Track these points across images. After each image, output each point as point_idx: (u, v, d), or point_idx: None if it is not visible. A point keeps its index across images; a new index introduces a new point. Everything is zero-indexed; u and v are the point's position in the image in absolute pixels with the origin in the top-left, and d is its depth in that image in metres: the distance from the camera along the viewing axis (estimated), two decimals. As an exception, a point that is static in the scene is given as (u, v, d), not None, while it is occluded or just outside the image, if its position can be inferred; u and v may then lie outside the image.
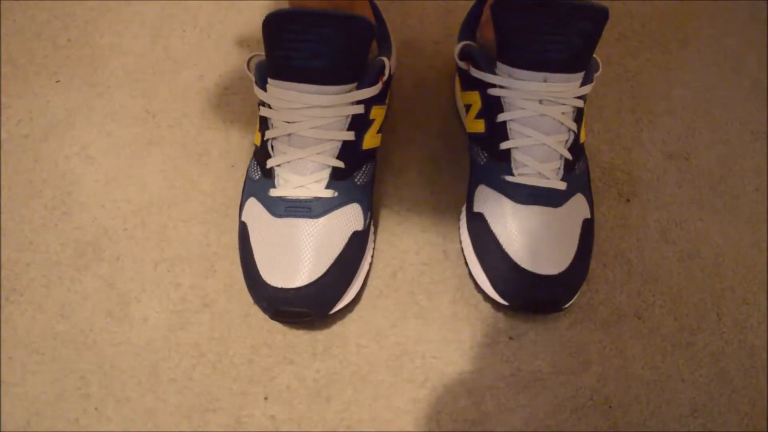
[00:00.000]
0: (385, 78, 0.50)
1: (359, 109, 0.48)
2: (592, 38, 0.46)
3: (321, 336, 0.51)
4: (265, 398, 0.48)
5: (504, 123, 0.49)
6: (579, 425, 0.47)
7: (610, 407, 0.48)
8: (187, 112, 0.61)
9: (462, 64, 0.53)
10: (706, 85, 0.63)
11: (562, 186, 0.49)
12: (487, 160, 0.51)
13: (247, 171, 0.53)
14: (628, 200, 0.57)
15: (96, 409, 0.48)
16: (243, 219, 0.51)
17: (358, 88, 0.47)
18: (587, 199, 0.51)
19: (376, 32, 0.44)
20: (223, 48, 0.65)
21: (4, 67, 0.64)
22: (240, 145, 0.59)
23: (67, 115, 0.61)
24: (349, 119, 0.48)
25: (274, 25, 0.43)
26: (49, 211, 0.56)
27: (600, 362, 0.50)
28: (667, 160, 0.59)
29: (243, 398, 0.48)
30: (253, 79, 0.49)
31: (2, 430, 0.48)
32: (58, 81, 0.63)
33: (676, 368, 0.50)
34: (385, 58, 0.50)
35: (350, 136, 0.48)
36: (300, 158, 0.48)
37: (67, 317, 0.51)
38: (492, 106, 0.50)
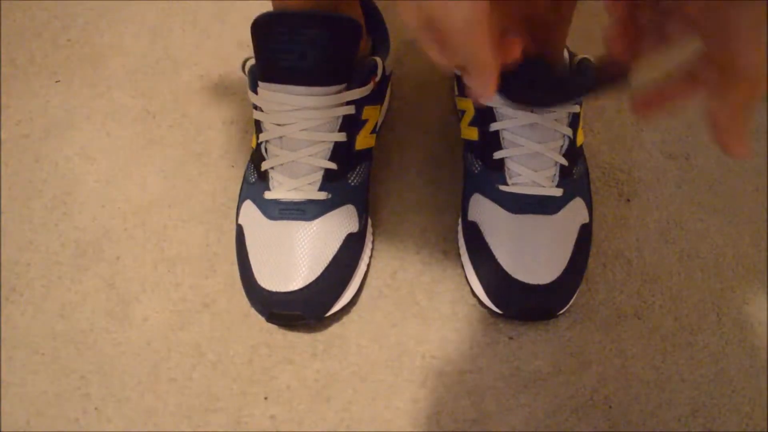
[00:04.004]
0: (377, 78, 0.50)
1: (350, 110, 0.48)
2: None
3: (321, 336, 0.51)
4: (265, 398, 0.48)
5: (497, 132, 0.49)
6: (579, 425, 0.47)
7: (610, 407, 0.48)
8: (187, 112, 0.61)
9: (457, 71, 0.53)
10: (706, 85, 0.63)
11: (557, 193, 0.49)
12: (481, 168, 0.51)
13: (245, 174, 0.53)
14: (628, 200, 0.57)
15: (96, 409, 0.48)
16: (240, 222, 0.51)
17: (348, 88, 0.47)
18: (586, 203, 0.51)
19: (363, 32, 0.44)
20: (223, 48, 0.65)
21: (4, 67, 0.64)
22: (240, 145, 0.59)
23: (67, 115, 0.61)
24: (340, 120, 0.48)
25: (261, 27, 0.43)
26: (49, 211, 0.56)
27: (600, 362, 0.50)
28: (667, 160, 0.59)
29: (243, 398, 0.48)
30: (247, 82, 0.49)
31: (2, 430, 0.48)
32: (58, 81, 0.63)
33: (676, 368, 0.50)
34: (378, 59, 0.50)
35: (342, 137, 0.48)
36: (292, 161, 0.48)
37: (67, 317, 0.51)
38: (484, 115, 0.50)
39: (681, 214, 0.56)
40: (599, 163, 0.58)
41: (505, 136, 0.49)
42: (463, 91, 0.53)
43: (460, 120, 0.54)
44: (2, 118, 0.61)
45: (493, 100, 0.38)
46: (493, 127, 0.49)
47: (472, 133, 0.51)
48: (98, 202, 0.56)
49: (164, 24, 0.67)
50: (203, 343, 0.50)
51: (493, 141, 0.49)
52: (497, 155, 0.49)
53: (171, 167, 0.58)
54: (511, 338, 0.51)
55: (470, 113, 0.51)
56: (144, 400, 0.48)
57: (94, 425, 0.48)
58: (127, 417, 0.48)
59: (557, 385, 0.49)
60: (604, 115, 0.61)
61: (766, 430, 0.48)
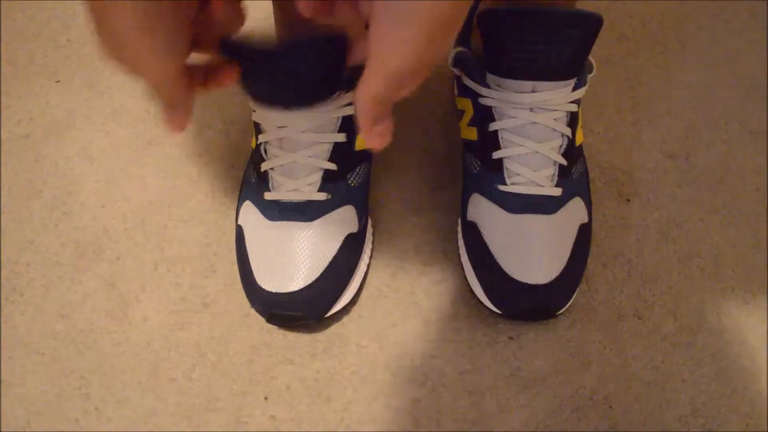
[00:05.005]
0: None
1: (350, 111, 0.48)
2: (584, 46, 0.45)
3: (321, 336, 0.51)
4: (265, 398, 0.48)
5: (496, 132, 0.49)
6: (579, 425, 0.47)
7: (610, 407, 0.48)
8: (187, 112, 0.61)
9: (456, 71, 0.53)
10: (706, 85, 0.63)
11: (556, 192, 0.49)
12: (480, 168, 0.51)
13: (244, 174, 0.53)
14: (628, 200, 0.57)
15: (96, 409, 0.48)
16: (239, 222, 0.51)
17: (348, 89, 0.47)
18: (585, 203, 0.51)
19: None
20: (223, 48, 0.65)
21: (4, 67, 0.64)
22: (240, 145, 0.59)
23: (67, 115, 0.61)
24: (340, 121, 0.48)
25: None
26: (49, 211, 0.56)
27: (600, 362, 0.50)
28: (667, 160, 0.59)
29: (243, 398, 0.48)
30: None
31: (2, 430, 0.48)
32: (58, 81, 0.63)
33: (676, 368, 0.50)
34: None
35: (341, 137, 0.48)
36: (292, 161, 0.48)
37: (67, 317, 0.51)
38: (484, 115, 0.50)
39: (681, 214, 0.56)
40: (599, 163, 0.58)
41: (504, 136, 0.49)
42: (461, 91, 0.53)
43: (459, 120, 0.54)
44: (2, 118, 0.61)
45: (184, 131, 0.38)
46: (492, 127, 0.49)
47: (471, 133, 0.51)
48: (98, 202, 0.56)
49: (164, 24, 0.67)
50: (203, 343, 0.50)
51: (492, 141, 0.49)
52: (496, 155, 0.49)
53: (171, 167, 0.58)
54: (511, 338, 0.51)
55: (469, 113, 0.51)
56: (144, 400, 0.48)
57: (94, 425, 0.48)
58: (127, 417, 0.48)
59: (557, 385, 0.49)
60: (604, 116, 0.61)
61: (766, 430, 0.48)
